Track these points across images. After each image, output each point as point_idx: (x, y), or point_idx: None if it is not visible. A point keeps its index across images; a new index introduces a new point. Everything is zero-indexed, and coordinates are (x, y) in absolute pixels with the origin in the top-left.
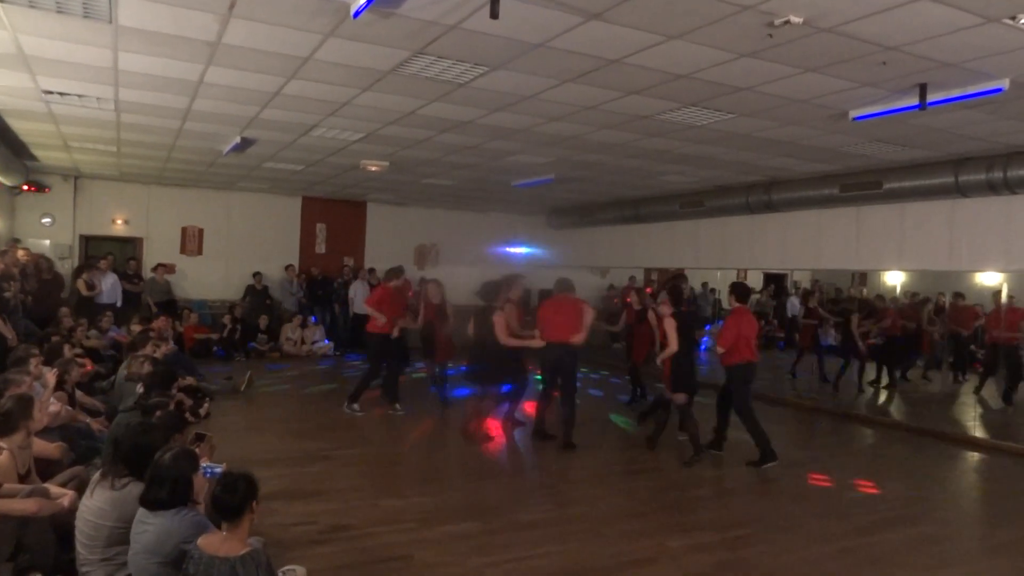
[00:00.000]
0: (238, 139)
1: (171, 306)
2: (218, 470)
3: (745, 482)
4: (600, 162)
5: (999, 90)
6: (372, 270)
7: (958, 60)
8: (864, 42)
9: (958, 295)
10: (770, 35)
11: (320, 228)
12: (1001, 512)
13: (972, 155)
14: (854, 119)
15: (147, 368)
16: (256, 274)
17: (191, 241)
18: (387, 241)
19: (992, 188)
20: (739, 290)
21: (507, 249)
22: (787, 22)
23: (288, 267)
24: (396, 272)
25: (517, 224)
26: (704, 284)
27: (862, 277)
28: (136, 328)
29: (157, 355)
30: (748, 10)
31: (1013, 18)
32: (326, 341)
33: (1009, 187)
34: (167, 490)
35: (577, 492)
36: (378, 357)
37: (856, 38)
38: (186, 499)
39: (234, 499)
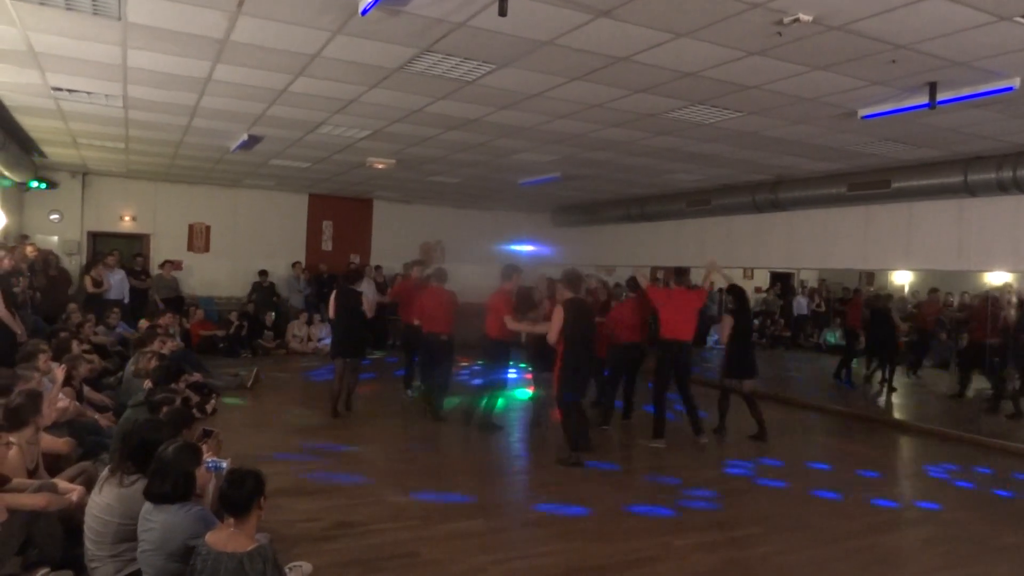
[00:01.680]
0: (245, 136)
1: (178, 303)
2: (223, 464)
3: (752, 482)
4: (607, 160)
5: (1010, 89)
6: (378, 267)
7: (968, 59)
8: (874, 40)
9: (932, 291)
10: (779, 33)
11: (326, 225)
12: (1009, 514)
13: (982, 154)
14: (863, 118)
15: (154, 364)
16: (262, 272)
17: (198, 238)
18: (393, 238)
19: (1002, 187)
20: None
21: (512, 247)
22: (796, 20)
23: (295, 264)
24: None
25: (522, 222)
26: (711, 283)
27: (869, 276)
28: (143, 324)
29: (164, 351)
30: (757, 8)
31: None
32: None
33: (1019, 186)
34: (170, 483)
35: (582, 490)
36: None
37: (866, 36)
38: (190, 493)
39: (242, 495)
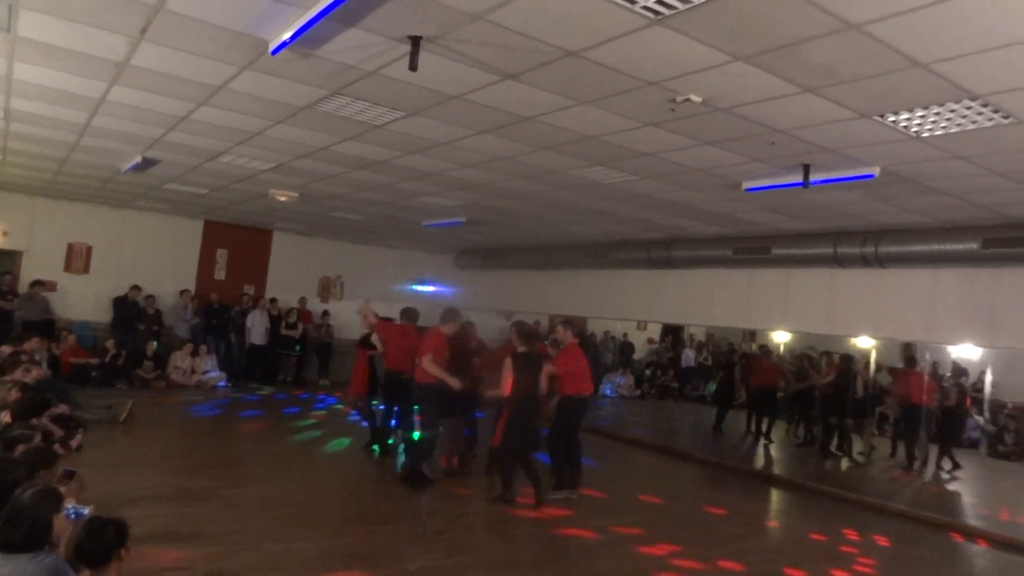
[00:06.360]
0: (139, 158)
1: (48, 326)
2: (84, 511)
3: (634, 533)
4: (510, 209)
5: (871, 176)
6: (273, 300)
7: (837, 147)
8: (756, 123)
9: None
10: (672, 109)
11: (221, 254)
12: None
13: (849, 230)
14: (746, 190)
15: (15, 395)
16: (134, 287)
17: (77, 258)
18: (291, 271)
19: (865, 261)
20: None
21: (414, 287)
22: (688, 100)
23: (183, 292)
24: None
25: (425, 262)
26: (606, 332)
27: (751, 334)
28: (6, 350)
29: (28, 380)
30: (653, 86)
31: (882, 116)
32: (218, 371)
33: (879, 262)
34: (23, 532)
35: (467, 539)
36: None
37: (749, 119)
38: (44, 542)
39: (100, 546)
